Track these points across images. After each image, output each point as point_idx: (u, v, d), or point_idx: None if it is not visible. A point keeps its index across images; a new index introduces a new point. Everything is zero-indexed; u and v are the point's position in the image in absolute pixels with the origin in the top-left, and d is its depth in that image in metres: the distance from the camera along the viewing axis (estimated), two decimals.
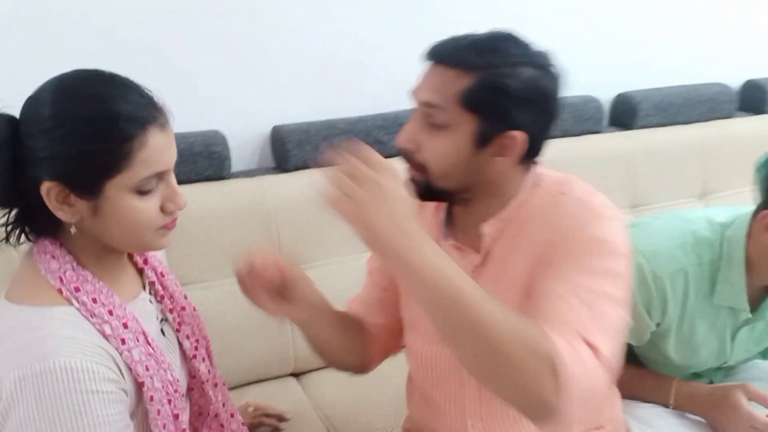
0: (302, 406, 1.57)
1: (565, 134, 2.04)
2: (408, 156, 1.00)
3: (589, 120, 2.07)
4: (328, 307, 1.12)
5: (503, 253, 1.03)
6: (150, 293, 1.02)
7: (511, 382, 0.80)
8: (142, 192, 0.85)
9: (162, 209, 0.88)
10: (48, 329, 0.82)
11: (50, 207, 0.84)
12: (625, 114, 2.17)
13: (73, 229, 0.86)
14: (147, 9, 1.57)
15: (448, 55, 0.96)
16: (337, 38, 1.78)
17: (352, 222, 0.79)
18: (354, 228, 0.79)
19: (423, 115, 0.98)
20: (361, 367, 1.22)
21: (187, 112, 1.65)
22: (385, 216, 0.78)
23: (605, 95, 2.18)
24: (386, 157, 0.82)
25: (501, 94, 0.93)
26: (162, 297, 1.03)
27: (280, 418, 1.48)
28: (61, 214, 0.85)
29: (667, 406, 1.32)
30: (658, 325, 1.28)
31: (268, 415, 1.47)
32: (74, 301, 0.86)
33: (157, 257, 1.07)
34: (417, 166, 0.99)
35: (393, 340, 1.22)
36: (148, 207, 0.87)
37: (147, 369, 0.90)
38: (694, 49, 2.29)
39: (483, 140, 0.95)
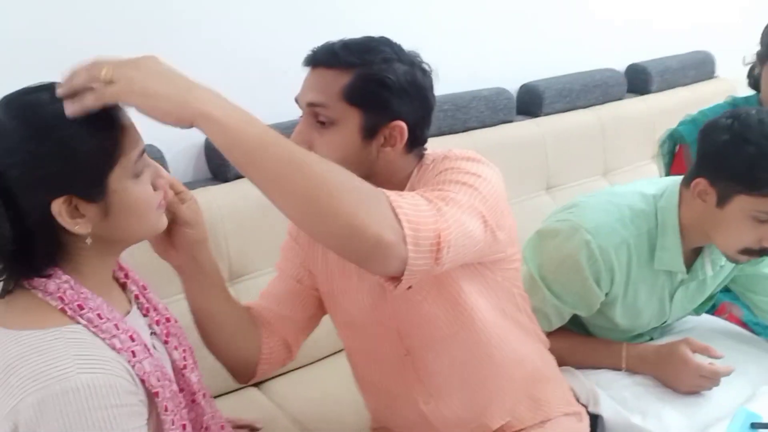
0: (271, 413, 1.56)
1: (483, 125, 2.15)
2: None
3: (502, 110, 2.19)
4: (219, 278, 1.10)
5: None
6: (137, 307, 1.00)
7: (350, 217, 0.81)
8: (137, 175, 0.86)
9: (153, 186, 0.90)
10: (60, 350, 0.79)
11: (65, 225, 0.82)
12: (531, 102, 2.31)
13: (89, 240, 0.84)
14: (65, 15, 1.52)
15: (326, 57, 1.03)
16: (261, 46, 1.78)
17: (128, 98, 0.78)
18: (136, 105, 0.78)
19: (311, 115, 1.03)
20: (249, 366, 1.17)
21: None
22: (157, 77, 0.78)
23: (513, 86, 2.31)
24: None
25: (380, 86, 1.01)
26: (147, 310, 1.02)
27: (252, 428, 1.46)
28: (78, 227, 0.83)
29: (619, 370, 1.41)
30: (606, 294, 1.38)
31: (239, 427, 1.45)
32: (80, 319, 0.83)
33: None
34: None
35: (294, 339, 1.21)
36: (146, 188, 0.88)
37: (159, 380, 0.89)
38: (587, 38, 2.48)
39: (370, 132, 1.02)
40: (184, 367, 1.02)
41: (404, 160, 1.09)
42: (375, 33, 1.06)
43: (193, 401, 1.05)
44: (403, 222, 0.86)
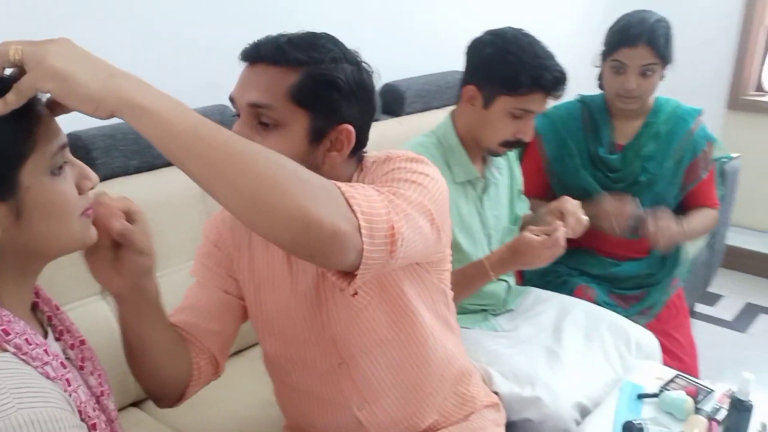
0: None
1: None
2: None
3: None
4: (160, 305, 0.99)
5: None
6: (51, 331, 0.88)
7: (304, 210, 0.74)
8: (55, 172, 0.76)
9: (78, 189, 0.80)
10: None
11: None
12: (393, 102, 2.35)
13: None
14: None
15: (271, 53, 0.97)
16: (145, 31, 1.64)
17: (42, 82, 0.69)
18: (50, 90, 0.69)
19: (251, 116, 0.98)
20: (177, 390, 1.08)
21: None
22: (75, 58, 0.70)
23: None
24: None
25: (330, 87, 0.97)
26: (61, 332, 0.89)
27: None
28: None
29: (490, 279, 1.50)
30: None
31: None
32: (8, 346, 0.72)
33: None
34: None
35: (221, 354, 1.14)
36: (67, 187, 0.78)
37: (94, 410, 0.79)
38: (439, 41, 2.58)
39: (317, 135, 0.99)
40: (101, 393, 0.90)
41: (346, 164, 1.05)
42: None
43: (111, 429, 0.94)
44: (357, 213, 0.81)
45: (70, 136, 1.53)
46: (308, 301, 1.10)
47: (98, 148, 1.52)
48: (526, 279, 2.00)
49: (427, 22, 2.52)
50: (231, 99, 1.00)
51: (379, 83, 2.25)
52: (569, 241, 1.44)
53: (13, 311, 0.75)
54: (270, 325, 1.15)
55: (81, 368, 0.89)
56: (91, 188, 0.82)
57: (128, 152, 1.56)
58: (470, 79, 1.50)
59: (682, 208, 1.93)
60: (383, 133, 2.19)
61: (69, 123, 1.48)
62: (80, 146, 1.52)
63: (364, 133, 1.05)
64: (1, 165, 0.70)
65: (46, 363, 0.74)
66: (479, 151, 1.57)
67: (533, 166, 1.94)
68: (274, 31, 1.02)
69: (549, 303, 1.76)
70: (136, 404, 1.54)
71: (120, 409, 1.47)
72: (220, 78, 1.25)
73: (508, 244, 1.49)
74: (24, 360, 0.72)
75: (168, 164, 1.60)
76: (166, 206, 1.58)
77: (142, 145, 1.58)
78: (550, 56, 1.44)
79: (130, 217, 0.89)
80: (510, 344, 1.61)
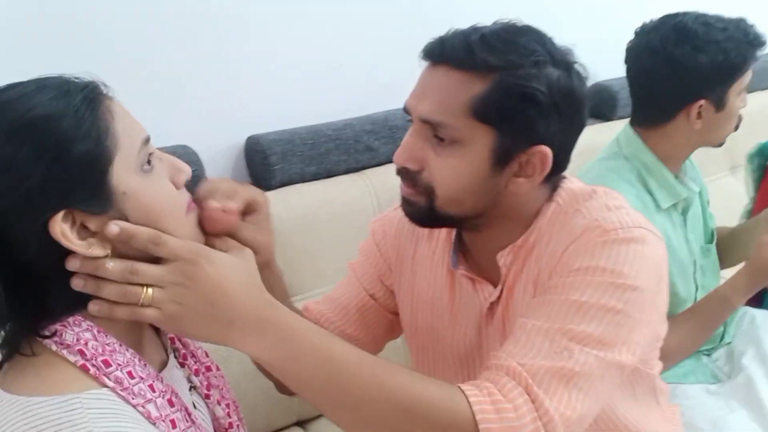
0: None
1: None
2: (409, 176, 0.82)
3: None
4: (286, 301, 0.90)
5: (518, 284, 0.88)
6: (174, 356, 0.79)
7: None
8: (146, 169, 0.66)
9: (174, 184, 0.70)
10: (81, 425, 0.59)
11: (75, 248, 0.61)
12: (603, 104, 2.07)
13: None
14: (100, 14, 1.30)
15: (456, 53, 0.78)
16: (311, 39, 1.56)
17: (163, 327, 0.68)
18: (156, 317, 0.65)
19: (426, 128, 0.80)
20: None
21: (150, 125, 1.41)
22: (198, 316, 0.65)
23: None
24: (378, 165, 0.64)
25: (526, 101, 0.77)
26: (185, 357, 0.80)
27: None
28: (93, 249, 0.62)
29: (733, 309, 1.28)
30: None
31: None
32: (107, 380, 0.63)
33: None
34: (420, 189, 0.82)
35: None
36: (164, 184, 0.68)
37: None
38: None
39: (502, 158, 0.80)
40: (230, 425, 0.82)
41: (537, 192, 0.85)
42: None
43: None
44: None
45: (248, 140, 1.50)
46: (467, 342, 0.94)
47: (275, 153, 1.45)
48: None
49: (643, 10, 2.19)
50: (405, 108, 0.84)
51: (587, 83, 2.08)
52: None
53: (121, 338, 0.67)
54: (425, 353, 1.01)
55: (207, 397, 0.80)
56: (187, 180, 0.71)
57: (306, 158, 1.48)
58: (694, 96, 1.24)
59: None
60: (591, 139, 1.92)
61: (246, 126, 1.51)
62: (257, 151, 1.47)
63: (563, 156, 0.84)
64: (89, 172, 0.61)
65: (149, 401, 0.65)
66: (678, 164, 1.32)
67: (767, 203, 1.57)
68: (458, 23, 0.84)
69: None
70: (299, 424, 1.48)
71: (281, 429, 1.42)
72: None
73: (743, 269, 1.25)
74: (123, 398, 0.63)
75: (346, 172, 1.57)
76: (341, 216, 1.48)
77: (320, 150, 1.49)
78: (727, 17, 1.24)
79: (249, 207, 0.77)
80: (740, 399, 1.30)
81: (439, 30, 0.83)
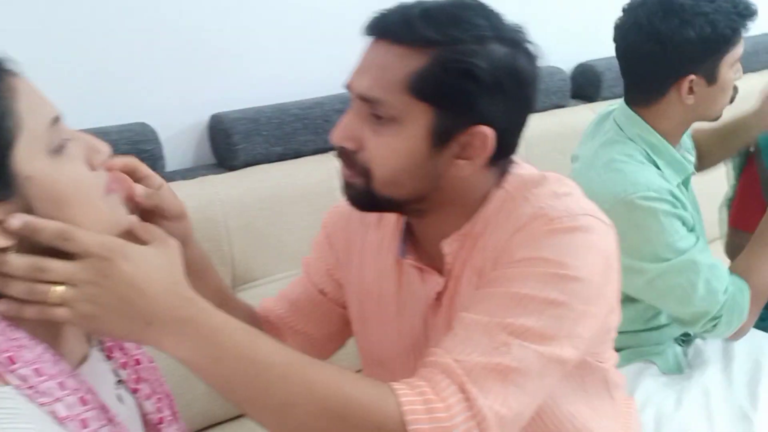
0: None
1: None
2: (346, 156, 0.79)
3: (555, 93, 1.90)
4: (214, 277, 0.91)
5: (464, 275, 0.84)
6: (99, 349, 0.75)
7: None
8: (57, 150, 0.62)
9: (89, 165, 0.65)
10: None
11: None
12: (588, 85, 2.02)
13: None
14: None
15: (395, 27, 0.75)
16: (280, 14, 1.49)
17: (77, 324, 0.63)
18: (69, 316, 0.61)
19: (364, 106, 0.76)
20: None
21: (105, 102, 1.37)
22: (114, 313, 0.61)
23: (568, 66, 2.02)
24: None
25: (465, 78, 0.73)
26: (111, 350, 0.76)
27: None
28: None
29: None
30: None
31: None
32: (11, 378, 0.59)
33: None
34: (358, 170, 0.78)
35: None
36: (75, 166, 0.64)
37: None
38: None
39: (441, 138, 0.76)
40: (160, 421, 0.78)
41: (482, 177, 0.81)
42: None
43: None
44: None
45: (212, 118, 1.44)
46: (413, 334, 0.91)
47: (239, 132, 1.40)
48: None
49: None
50: (347, 86, 0.80)
51: (570, 63, 2.02)
52: None
53: (33, 332, 0.63)
54: (371, 351, 0.98)
55: (135, 391, 0.76)
56: (104, 161, 0.67)
57: (271, 138, 1.43)
58: (684, 71, 1.20)
59: None
60: (572, 121, 1.89)
61: (209, 104, 1.45)
62: (220, 129, 1.41)
63: (510, 138, 0.80)
64: None
65: (57, 399, 0.61)
66: (678, 140, 1.30)
67: (750, 191, 1.52)
68: None
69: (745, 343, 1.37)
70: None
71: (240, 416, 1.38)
72: None
73: None
74: (28, 397, 0.59)
75: (314, 152, 1.52)
76: (307, 198, 1.43)
77: (286, 130, 1.44)
78: None
79: (138, 178, 0.76)
80: (690, 399, 1.27)
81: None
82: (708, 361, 1.37)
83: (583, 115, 1.92)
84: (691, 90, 1.21)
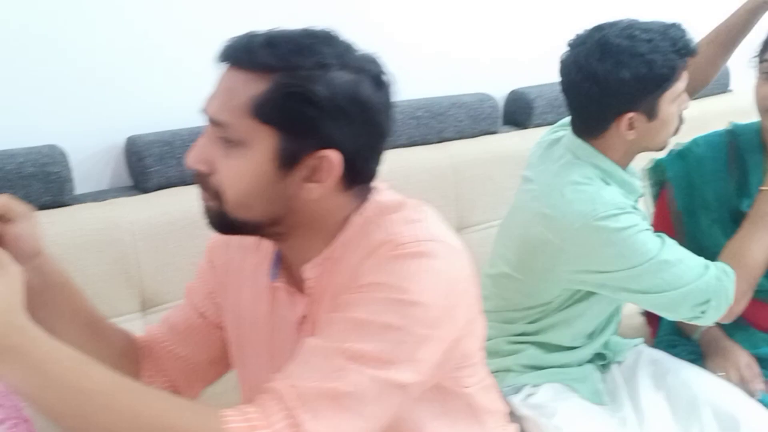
0: None
1: (461, 136, 1.89)
2: (201, 179, 0.82)
3: (485, 119, 1.93)
4: (73, 293, 0.90)
5: (324, 300, 0.87)
6: None
7: None
8: None
9: None
10: None
11: None
12: (520, 111, 2.05)
13: None
14: None
15: (238, 53, 0.78)
16: (200, 33, 1.52)
17: None
18: None
19: (215, 130, 0.80)
20: None
21: (13, 124, 1.38)
22: None
23: (500, 93, 2.06)
24: None
25: (304, 102, 0.76)
26: None
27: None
28: None
29: None
30: None
31: None
32: None
33: None
34: (211, 192, 0.81)
35: (186, 383, 1.01)
36: None
37: None
38: None
39: (288, 161, 0.79)
40: None
41: (339, 200, 0.84)
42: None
43: None
44: None
45: (128, 140, 1.46)
46: (284, 358, 0.91)
47: (153, 155, 1.42)
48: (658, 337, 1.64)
49: (565, 17, 2.17)
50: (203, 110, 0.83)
51: (503, 91, 2.05)
52: None
53: None
54: (246, 368, 0.99)
55: None
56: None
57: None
58: (622, 109, 1.24)
59: None
60: (502, 146, 1.92)
61: (126, 127, 1.46)
62: (134, 152, 1.43)
63: (363, 163, 0.83)
64: None
65: None
66: (625, 166, 1.33)
67: (662, 222, 1.56)
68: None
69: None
70: None
71: None
72: None
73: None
74: None
75: None
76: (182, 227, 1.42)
77: None
78: (656, 24, 1.22)
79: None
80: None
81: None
82: (621, 390, 1.41)
83: (512, 141, 1.96)
84: (631, 126, 1.25)
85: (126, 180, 1.49)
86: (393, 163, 1.68)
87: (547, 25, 2.10)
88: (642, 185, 1.46)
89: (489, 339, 1.42)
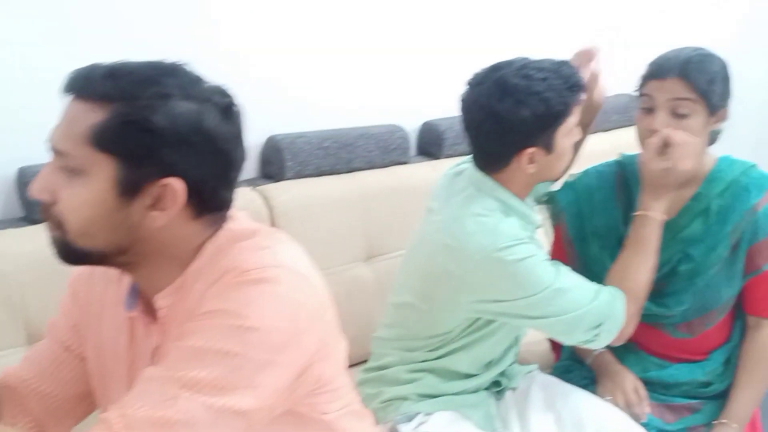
0: None
1: (371, 166, 1.92)
2: (45, 209, 0.83)
3: (395, 150, 1.96)
4: None
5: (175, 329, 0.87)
6: None
7: None
8: None
9: None
10: None
11: None
12: (432, 142, 2.10)
13: None
14: None
15: (79, 84, 0.80)
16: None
17: None
18: None
19: (58, 159, 0.81)
20: None
21: None
22: None
23: (412, 125, 2.10)
24: None
25: (143, 131, 0.78)
26: None
27: None
28: None
29: (660, 223, 1.39)
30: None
31: None
32: None
33: None
34: (54, 222, 0.82)
35: (54, 422, 0.99)
36: None
37: None
38: None
39: (129, 189, 0.80)
40: None
41: (189, 229, 0.85)
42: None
43: None
44: None
45: (19, 171, 1.44)
46: None
47: None
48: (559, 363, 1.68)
49: (477, 52, 2.24)
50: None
51: (416, 122, 2.09)
52: None
53: None
54: (107, 399, 0.97)
55: None
56: None
57: None
58: (522, 145, 1.29)
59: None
60: (412, 177, 1.95)
61: (17, 157, 1.42)
62: (24, 183, 1.41)
63: (212, 192, 0.84)
64: None
65: None
66: (524, 197, 1.39)
67: (558, 251, 1.61)
68: None
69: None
70: None
71: None
72: None
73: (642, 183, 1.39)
74: None
75: None
76: None
77: None
78: (548, 63, 1.28)
79: None
80: None
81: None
82: (512, 415, 1.44)
83: (422, 171, 1.99)
84: (531, 160, 1.30)
85: (17, 211, 1.47)
86: (300, 192, 1.74)
87: (458, 59, 2.15)
88: (541, 217, 1.51)
89: (389, 367, 1.44)
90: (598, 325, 1.29)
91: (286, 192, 1.72)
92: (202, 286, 0.83)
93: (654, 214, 1.36)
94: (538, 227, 1.41)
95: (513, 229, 1.28)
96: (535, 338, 1.81)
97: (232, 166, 0.85)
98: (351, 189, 1.83)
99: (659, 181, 1.35)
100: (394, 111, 2.04)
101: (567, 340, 1.36)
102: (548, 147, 1.29)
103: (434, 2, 2.10)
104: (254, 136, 1.77)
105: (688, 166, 1.32)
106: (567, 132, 1.30)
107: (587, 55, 1.39)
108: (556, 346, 1.75)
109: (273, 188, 1.73)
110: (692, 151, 1.32)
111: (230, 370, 0.75)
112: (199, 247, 0.86)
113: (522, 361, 1.61)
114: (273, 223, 1.67)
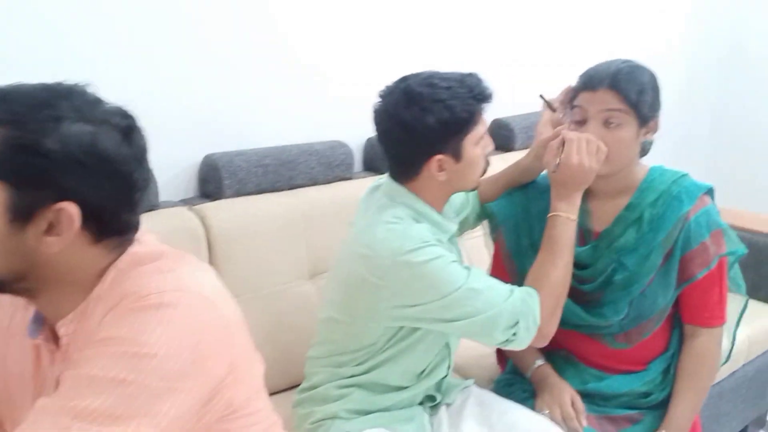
0: None
1: (314, 182, 1.91)
2: None
3: (339, 166, 1.95)
4: None
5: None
6: None
7: None
8: None
9: None
10: None
11: None
12: (377, 157, 2.09)
13: None
14: None
15: None
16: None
17: None
18: None
19: None
20: None
21: None
22: None
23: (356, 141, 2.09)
24: None
25: (34, 154, 0.75)
26: None
27: None
28: None
29: (573, 224, 1.40)
30: None
31: None
32: None
33: None
34: None
35: None
36: None
37: None
38: None
39: (21, 214, 0.78)
40: None
41: (89, 254, 0.83)
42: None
43: None
44: None
45: None
46: None
47: None
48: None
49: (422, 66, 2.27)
50: None
51: (361, 138, 2.08)
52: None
53: None
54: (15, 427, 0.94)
55: None
56: None
57: None
58: (431, 152, 1.32)
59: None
60: (355, 192, 1.87)
61: None
62: None
63: (111, 216, 0.82)
64: None
65: None
66: (440, 207, 1.41)
67: (497, 266, 1.62)
68: None
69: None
70: None
71: None
72: None
73: (551, 183, 1.41)
74: None
75: None
76: None
77: None
78: (454, 74, 1.32)
79: None
80: None
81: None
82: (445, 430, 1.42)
83: (365, 186, 1.98)
84: (441, 168, 1.31)
85: None
86: (238, 211, 1.72)
87: (404, 73, 2.15)
88: (485, 232, 1.51)
89: (320, 386, 1.42)
90: (515, 324, 1.29)
91: (223, 211, 1.70)
92: (101, 312, 0.81)
93: (561, 213, 1.37)
94: (452, 236, 1.42)
95: (421, 233, 1.30)
96: (482, 352, 1.81)
97: (133, 189, 0.83)
98: (293, 206, 1.82)
99: (559, 180, 1.37)
100: (338, 127, 2.04)
101: (488, 342, 1.35)
102: (456, 155, 1.31)
103: (377, 17, 2.11)
104: (191, 155, 1.76)
105: (575, 161, 1.33)
106: (476, 141, 1.32)
107: (558, 122, 1.44)
108: (501, 359, 1.74)
109: (210, 207, 1.70)
110: (585, 148, 1.34)
111: (125, 399, 0.73)
112: (102, 272, 0.84)
113: (467, 375, 1.60)
114: (210, 243, 1.65)
